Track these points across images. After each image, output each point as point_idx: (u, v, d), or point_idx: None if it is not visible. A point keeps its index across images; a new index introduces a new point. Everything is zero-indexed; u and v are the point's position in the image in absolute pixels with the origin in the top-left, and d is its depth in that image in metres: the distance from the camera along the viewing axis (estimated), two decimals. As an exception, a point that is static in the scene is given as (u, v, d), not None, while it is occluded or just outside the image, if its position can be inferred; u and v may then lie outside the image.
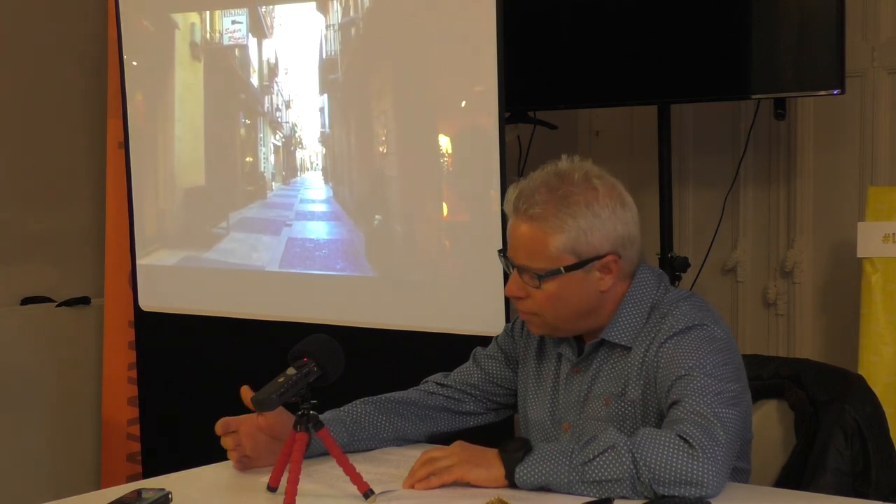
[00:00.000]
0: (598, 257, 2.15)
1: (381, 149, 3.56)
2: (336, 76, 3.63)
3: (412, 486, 2.05)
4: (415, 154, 3.47)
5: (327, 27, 3.66)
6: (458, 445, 2.09)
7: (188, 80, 4.05)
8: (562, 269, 2.13)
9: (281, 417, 2.21)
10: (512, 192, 2.19)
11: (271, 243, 3.84)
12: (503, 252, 2.23)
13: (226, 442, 2.24)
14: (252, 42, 3.86)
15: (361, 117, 3.60)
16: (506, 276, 3.17)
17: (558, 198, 2.13)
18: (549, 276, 2.14)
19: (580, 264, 2.14)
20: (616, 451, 1.96)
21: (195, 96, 4.04)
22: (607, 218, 2.14)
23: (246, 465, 2.24)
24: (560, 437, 2.24)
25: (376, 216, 3.59)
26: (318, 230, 3.75)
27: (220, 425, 2.25)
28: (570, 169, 2.18)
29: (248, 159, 3.91)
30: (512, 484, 2.01)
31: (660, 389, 2.11)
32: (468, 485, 2.03)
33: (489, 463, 2.03)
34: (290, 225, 3.82)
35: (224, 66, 3.95)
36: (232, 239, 3.95)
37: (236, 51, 3.91)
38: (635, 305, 2.20)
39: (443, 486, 2.04)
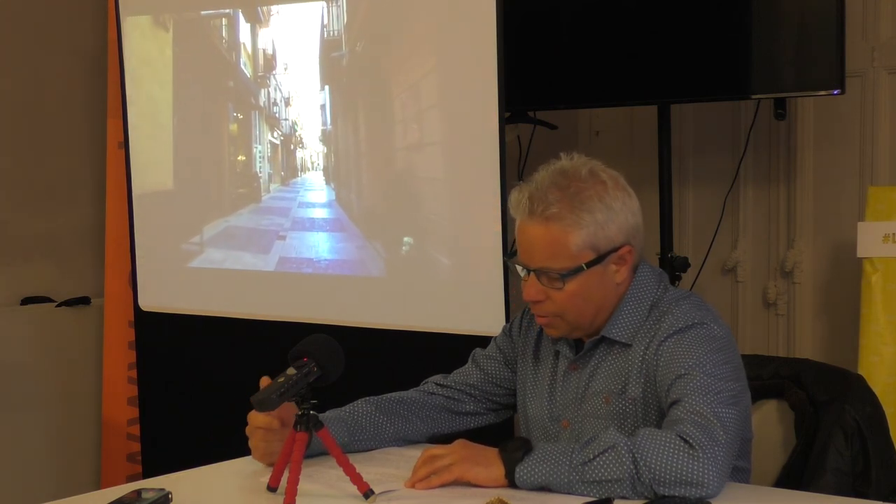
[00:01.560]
0: (615, 249, 2.16)
1: (378, 146, 3.56)
2: (340, 53, 3.60)
3: (413, 486, 2.05)
4: (413, 154, 3.47)
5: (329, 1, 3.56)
6: (459, 444, 2.10)
7: (148, 54, 3.80)
8: (583, 265, 2.14)
9: (289, 414, 2.21)
10: (519, 195, 2.18)
11: (255, 267, 3.69)
12: (512, 256, 2.22)
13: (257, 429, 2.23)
14: (244, 28, 3.73)
15: (361, 115, 3.59)
16: (506, 277, 3.21)
17: (571, 195, 2.13)
18: (572, 274, 2.14)
19: (599, 259, 2.15)
20: (616, 451, 1.96)
21: (159, 76, 3.84)
22: (619, 209, 2.16)
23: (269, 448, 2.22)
24: (559, 434, 2.24)
25: (404, 238, 3.48)
26: (319, 244, 3.63)
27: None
28: (574, 166, 2.18)
29: (240, 157, 3.77)
30: (512, 483, 2.01)
31: (660, 388, 2.12)
32: (468, 484, 2.03)
33: (489, 462, 2.03)
34: (283, 238, 3.70)
35: (203, 42, 3.75)
36: (205, 259, 3.81)
37: (223, 29, 3.71)
38: (636, 303, 2.20)
39: (443, 485, 2.04)
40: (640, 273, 2.23)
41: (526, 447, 2.03)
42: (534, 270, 2.16)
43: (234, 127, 3.78)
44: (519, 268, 2.19)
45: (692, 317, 2.14)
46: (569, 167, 2.18)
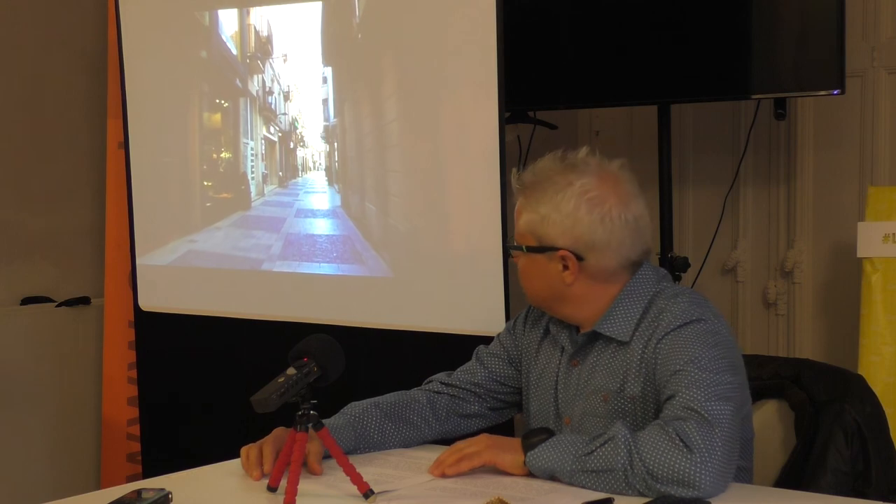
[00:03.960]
0: (555, 249, 2.18)
1: (378, 144, 3.55)
2: (342, 55, 3.60)
3: (442, 474, 2.09)
4: (413, 154, 3.46)
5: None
6: (483, 436, 2.15)
7: (148, 53, 3.50)
8: (524, 247, 2.22)
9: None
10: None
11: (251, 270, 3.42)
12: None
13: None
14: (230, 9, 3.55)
15: (360, 115, 3.58)
16: (506, 277, 3.21)
17: (536, 181, 2.21)
18: (516, 249, 2.25)
19: (539, 249, 2.20)
20: (614, 442, 1.99)
21: (158, 74, 3.62)
22: (568, 214, 2.17)
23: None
24: (562, 431, 2.25)
25: (404, 238, 3.42)
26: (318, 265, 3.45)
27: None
28: (572, 160, 2.22)
29: (224, 155, 3.47)
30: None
31: (658, 384, 2.12)
32: (469, 484, 2.04)
33: (514, 449, 2.09)
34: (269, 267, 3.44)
35: (199, 34, 3.49)
36: (206, 259, 3.50)
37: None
38: (631, 301, 2.21)
39: (472, 469, 2.09)
40: (640, 273, 2.23)
41: (549, 436, 2.07)
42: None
43: (216, 117, 3.51)
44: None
45: (690, 313, 2.15)
46: (569, 159, 2.22)
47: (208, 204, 3.53)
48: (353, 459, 2.05)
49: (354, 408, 2.34)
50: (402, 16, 3.43)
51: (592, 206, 2.17)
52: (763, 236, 4.20)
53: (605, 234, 2.17)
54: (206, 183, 3.62)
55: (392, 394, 2.40)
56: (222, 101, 3.43)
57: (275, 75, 3.58)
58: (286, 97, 3.61)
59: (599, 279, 2.20)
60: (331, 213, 3.63)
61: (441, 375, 2.44)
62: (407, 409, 2.37)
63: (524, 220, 2.21)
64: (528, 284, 2.26)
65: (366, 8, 3.51)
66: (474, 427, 2.41)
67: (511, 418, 2.51)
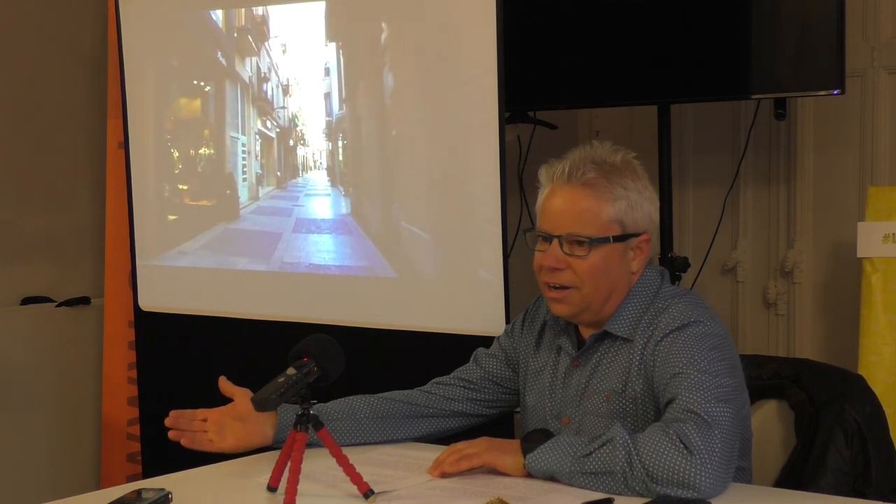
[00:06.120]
0: (637, 234, 2.20)
1: (377, 144, 3.54)
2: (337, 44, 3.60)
3: (442, 473, 2.09)
4: (413, 154, 3.46)
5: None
6: (483, 438, 2.14)
7: (148, 53, 3.32)
8: (610, 238, 2.17)
9: (244, 398, 2.27)
10: (556, 164, 2.21)
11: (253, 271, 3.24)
12: (530, 229, 2.24)
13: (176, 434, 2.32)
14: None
15: (359, 115, 3.58)
16: (506, 277, 3.21)
17: (608, 170, 2.19)
18: (599, 243, 2.16)
19: (624, 237, 2.19)
20: (612, 444, 1.99)
21: (158, 74, 3.44)
22: (648, 198, 2.22)
23: (205, 446, 2.30)
24: (560, 431, 2.26)
25: (404, 237, 3.38)
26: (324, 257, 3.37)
27: (173, 418, 2.35)
28: (608, 151, 2.23)
29: (202, 151, 2.96)
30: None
31: (656, 387, 2.14)
32: (471, 483, 2.05)
33: (514, 451, 2.08)
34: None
35: (201, 35, 3.18)
36: (206, 259, 3.25)
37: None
38: (639, 298, 2.23)
39: (471, 469, 2.09)
40: (646, 273, 2.25)
41: (547, 437, 2.08)
42: (558, 237, 2.18)
43: (195, 104, 3.03)
44: (540, 237, 2.20)
45: (688, 315, 2.16)
46: (603, 152, 2.22)
47: (172, 217, 3.00)
48: (353, 459, 2.05)
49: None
50: (402, 16, 3.43)
51: (653, 190, 2.25)
52: (763, 236, 4.20)
53: (657, 216, 2.25)
54: (181, 186, 3.14)
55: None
56: (203, 83, 2.91)
57: (272, 64, 3.38)
58: (285, 91, 3.41)
59: (645, 262, 2.24)
60: (339, 226, 3.54)
61: (436, 378, 2.46)
62: (386, 398, 2.40)
63: (611, 210, 2.16)
64: (600, 281, 2.18)
65: (366, 9, 3.51)
66: (465, 422, 2.43)
67: (511, 419, 2.52)
